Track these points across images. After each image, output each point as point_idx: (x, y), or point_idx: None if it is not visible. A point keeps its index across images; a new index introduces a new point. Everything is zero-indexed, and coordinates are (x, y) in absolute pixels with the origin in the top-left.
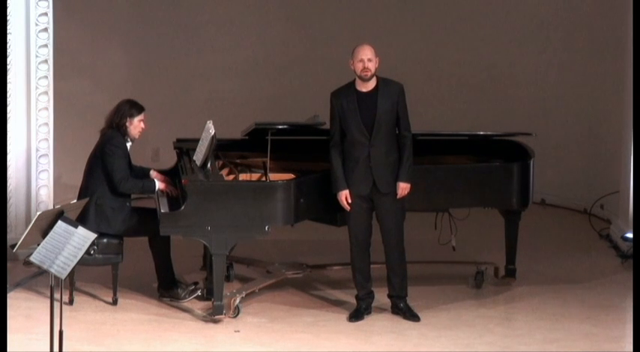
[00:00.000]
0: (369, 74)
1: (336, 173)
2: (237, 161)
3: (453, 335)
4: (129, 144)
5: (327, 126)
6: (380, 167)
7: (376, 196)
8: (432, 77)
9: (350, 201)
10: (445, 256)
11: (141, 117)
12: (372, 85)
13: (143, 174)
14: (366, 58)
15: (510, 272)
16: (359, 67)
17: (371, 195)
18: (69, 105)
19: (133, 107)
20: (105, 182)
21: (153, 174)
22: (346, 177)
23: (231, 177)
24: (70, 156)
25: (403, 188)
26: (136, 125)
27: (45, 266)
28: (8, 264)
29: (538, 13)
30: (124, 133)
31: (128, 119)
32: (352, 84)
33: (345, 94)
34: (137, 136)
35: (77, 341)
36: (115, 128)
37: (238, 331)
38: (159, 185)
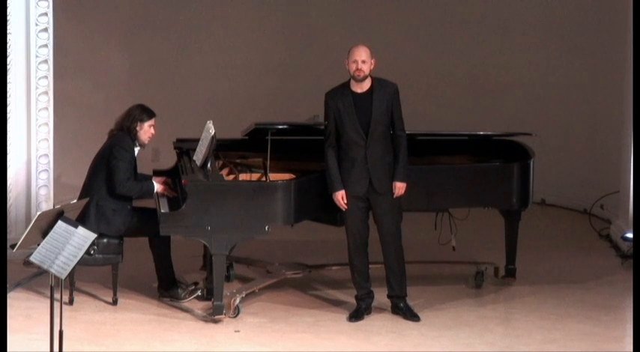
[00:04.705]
0: (362, 75)
1: (332, 173)
2: (237, 161)
3: (453, 335)
4: (137, 149)
5: None
6: (376, 167)
7: (373, 196)
8: (432, 77)
9: (346, 201)
10: (445, 256)
11: (151, 122)
12: (366, 85)
13: (144, 179)
14: (360, 59)
15: (510, 272)
16: (352, 67)
17: (367, 195)
18: (69, 105)
19: (143, 112)
20: (107, 183)
21: (154, 179)
22: (342, 178)
23: (231, 177)
24: (70, 156)
25: (399, 187)
26: (146, 130)
27: (45, 267)
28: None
29: (538, 13)
30: (133, 138)
31: (139, 124)
32: (347, 84)
33: (341, 95)
34: (146, 141)
35: (77, 341)
36: (125, 131)
37: (238, 331)
38: (157, 187)
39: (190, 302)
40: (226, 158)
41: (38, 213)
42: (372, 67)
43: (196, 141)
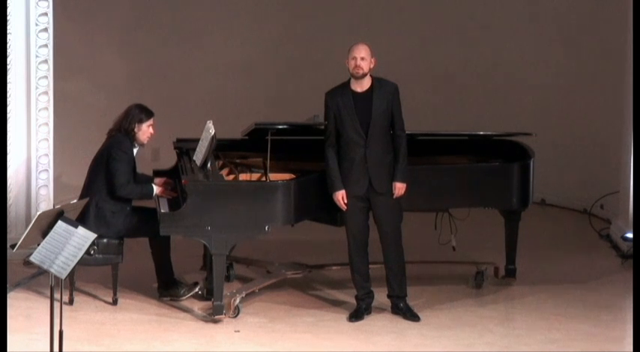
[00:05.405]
0: (361, 72)
1: (332, 173)
2: (237, 161)
3: (453, 335)
4: (136, 150)
5: None
6: (376, 167)
7: (373, 196)
8: (432, 77)
9: (346, 201)
10: (445, 256)
11: (150, 122)
12: (366, 84)
13: (145, 180)
14: (359, 56)
15: (510, 272)
16: (351, 64)
17: (367, 194)
18: (69, 105)
19: (142, 112)
20: (107, 185)
21: (155, 180)
22: (342, 178)
23: (231, 177)
24: (70, 156)
25: (399, 188)
26: (144, 130)
27: (45, 267)
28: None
29: (538, 14)
30: (132, 138)
31: (137, 124)
32: (347, 84)
33: (341, 95)
34: (146, 141)
35: (77, 341)
36: (123, 132)
37: (238, 331)
38: (157, 190)
39: (190, 302)
40: (226, 158)
41: (38, 213)
42: (371, 65)
43: (196, 141)
